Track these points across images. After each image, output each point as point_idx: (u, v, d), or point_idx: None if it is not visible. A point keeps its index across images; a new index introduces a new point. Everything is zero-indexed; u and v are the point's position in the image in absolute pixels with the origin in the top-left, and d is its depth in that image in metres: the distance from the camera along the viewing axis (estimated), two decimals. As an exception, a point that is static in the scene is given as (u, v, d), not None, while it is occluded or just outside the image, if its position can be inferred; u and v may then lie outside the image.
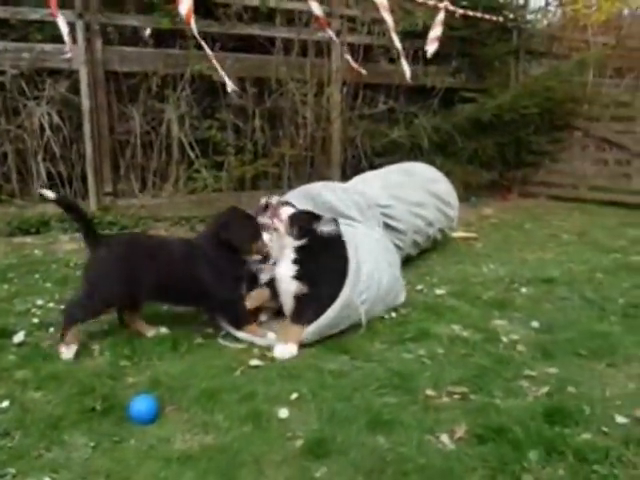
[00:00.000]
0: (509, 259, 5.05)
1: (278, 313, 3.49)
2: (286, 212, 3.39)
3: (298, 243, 3.31)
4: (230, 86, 4.45)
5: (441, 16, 5.68)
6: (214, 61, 4.38)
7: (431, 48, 5.69)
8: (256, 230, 3.24)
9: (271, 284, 3.40)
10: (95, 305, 3.00)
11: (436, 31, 5.67)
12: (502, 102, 7.60)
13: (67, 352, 2.90)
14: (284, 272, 3.31)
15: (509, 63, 8.40)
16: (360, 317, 3.28)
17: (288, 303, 3.33)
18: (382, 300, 3.53)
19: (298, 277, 3.26)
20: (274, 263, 3.38)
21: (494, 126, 7.76)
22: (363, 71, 5.80)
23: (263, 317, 3.46)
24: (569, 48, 9.34)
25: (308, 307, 3.19)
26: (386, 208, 4.42)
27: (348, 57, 5.95)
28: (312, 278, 3.25)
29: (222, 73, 4.38)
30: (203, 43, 4.33)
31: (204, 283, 3.10)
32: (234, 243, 3.12)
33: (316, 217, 3.41)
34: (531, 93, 7.82)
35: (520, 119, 7.76)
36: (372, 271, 3.41)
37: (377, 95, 7.44)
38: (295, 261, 3.30)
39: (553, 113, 8.13)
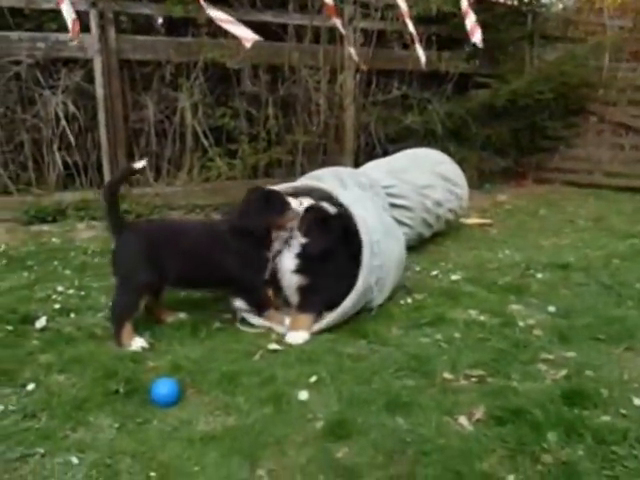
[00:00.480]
0: (524, 245, 5.04)
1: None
2: (299, 209, 3.31)
3: (305, 240, 3.26)
4: (251, 40, 4.30)
5: (465, 3, 5.61)
6: (224, 25, 4.25)
7: (477, 37, 5.63)
8: (275, 208, 3.17)
9: (273, 278, 3.36)
10: (133, 300, 3.01)
11: (470, 18, 5.61)
12: (517, 87, 7.51)
13: (135, 345, 2.92)
14: (286, 266, 3.28)
15: (524, 48, 8.28)
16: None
17: (292, 295, 3.33)
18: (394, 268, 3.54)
19: (300, 270, 3.25)
20: (276, 255, 3.33)
21: (508, 112, 7.69)
22: (364, 67, 5.75)
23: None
24: (585, 32, 9.21)
25: (314, 297, 3.21)
26: (390, 188, 4.45)
27: (352, 50, 5.90)
28: (317, 270, 3.22)
29: (238, 32, 4.24)
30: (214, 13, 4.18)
31: (228, 268, 3.12)
32: (249, 229, 3.11)
33: (326, 212, 3.36)
34: (546, 78, 7.73)
35: (535, 104, 7.67)
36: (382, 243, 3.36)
37: (390, 81, 7.39)
38: (299, 255, 3.26)
39: (568, 98, 8.04)
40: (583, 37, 9.06)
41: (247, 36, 4.33)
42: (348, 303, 3.12)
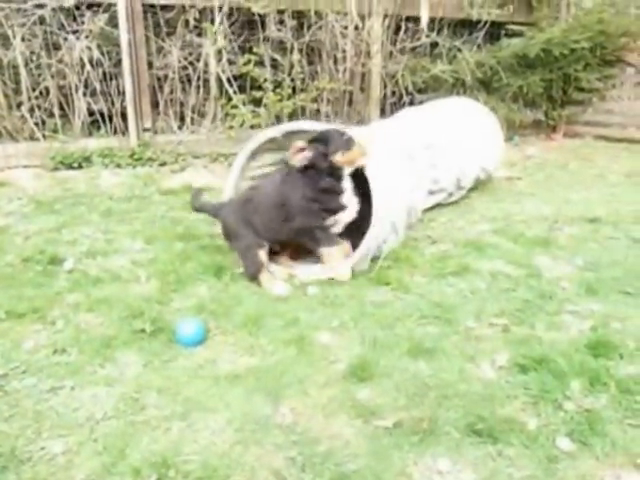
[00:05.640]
0: (553, 198, 4.93)
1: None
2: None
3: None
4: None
5: None
6: None
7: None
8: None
9: None
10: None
11: None
12: (551, 36, 7.18)
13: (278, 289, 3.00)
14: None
15: (560, -6, 7.93)
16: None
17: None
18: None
19: None
20: None
21: (541, 62, 7.39)
22: None
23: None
24: (626, -23, 8.74)
25: None
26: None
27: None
28: None
29: None
30: None
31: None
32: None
33: None
34: (583, 26, 7.37)
35: (570, 54, 7.36)
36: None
37: (419, 28, 7.14)
38: None
39: (605, 48, 7.67)
40: (624, -18, 8.60)
41: None
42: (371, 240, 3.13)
